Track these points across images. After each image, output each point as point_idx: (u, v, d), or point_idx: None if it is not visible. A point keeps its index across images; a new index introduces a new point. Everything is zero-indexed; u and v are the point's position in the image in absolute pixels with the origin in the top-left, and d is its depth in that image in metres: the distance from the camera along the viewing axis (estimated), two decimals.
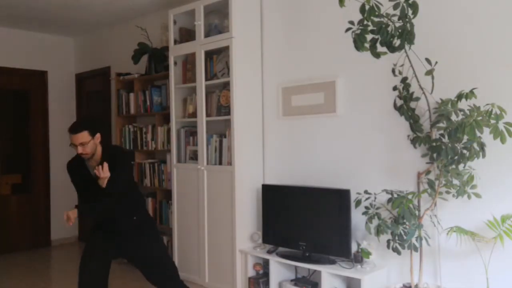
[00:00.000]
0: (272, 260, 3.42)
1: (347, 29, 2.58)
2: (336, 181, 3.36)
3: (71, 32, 5.92)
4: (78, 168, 3.05)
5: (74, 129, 2.89)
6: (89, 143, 2.89)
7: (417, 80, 2.73)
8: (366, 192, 2.95)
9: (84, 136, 2.88)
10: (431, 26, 2.89)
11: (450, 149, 2.49)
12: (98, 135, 2.97)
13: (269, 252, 3.52)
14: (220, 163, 3.84)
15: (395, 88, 2.87)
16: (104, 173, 2.81)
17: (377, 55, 2.58)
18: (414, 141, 2.81)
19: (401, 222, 2.68)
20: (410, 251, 2.77)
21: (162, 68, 4.56)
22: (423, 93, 2.74)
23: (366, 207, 2.89)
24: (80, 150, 2.88)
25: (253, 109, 3.83)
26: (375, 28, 2.52)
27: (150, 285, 3.40)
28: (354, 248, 3.15)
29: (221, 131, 3.94)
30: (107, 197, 2.90)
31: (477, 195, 2.59)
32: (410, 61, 2.70)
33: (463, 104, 2.55)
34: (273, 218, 3.57)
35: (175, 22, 4.20)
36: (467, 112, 2.47)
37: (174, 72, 4.20)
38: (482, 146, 2.52)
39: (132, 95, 4.92)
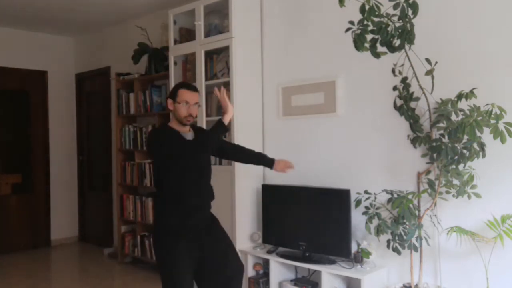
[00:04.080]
0: (272, 260, 3.41)
1: (347, 29, 2.58)
2: (336, 181, 3.36)
3: (71, 32, 5.92)
4: (174, 136, 2.63)
5: (194, 87, 2.69)
6: (197, 107, 2.68)
7: (417, 80, 2.73)
8: (366, 192, 2.95)
9: (198, 97, 2.68)
10: (431, 26, 2.89)
11: (450, 149, 2.49)
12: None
13: (269, 252, 3.52)
14: (220, 163, 3.83)
15: (395, 88, 2.87)
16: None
17: (377, 55, 2.58)
18: (414, 141, 2.81)
19: (401, 222, 2.68)
20: (410, 251, 2.77)
21: (162, 68, 4.57)
22: (423, 93, 2.74)
23: (366, 207, 2.88)
24: (192, 110, 2.62)
25: (253, 109, 3.83)
26: (375, 28, 2.52)
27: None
28: (354, 248, 3.15)
29: None
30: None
31: (477, 195, 2.59)
32: (410, 61, 2.70)
33: (463, 104, 2.55)
34: (273, 218, 3.57)
35: (175, 22, 4.19)
36: (467, 112, 2.47)
37: (174, 72, 4.20)
38: (482, 146, 2.51)
39: (132, 95, 4.92)
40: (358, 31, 2.55)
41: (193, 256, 2.60)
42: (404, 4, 2.50)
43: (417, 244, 2.72)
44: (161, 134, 2.66)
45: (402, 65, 2.76)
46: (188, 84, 2.73)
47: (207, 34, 3.89)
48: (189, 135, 2.68)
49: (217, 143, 2.77)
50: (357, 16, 2.55)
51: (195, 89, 2.68)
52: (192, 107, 2.62)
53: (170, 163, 2.59)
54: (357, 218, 3.10)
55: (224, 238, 2.80)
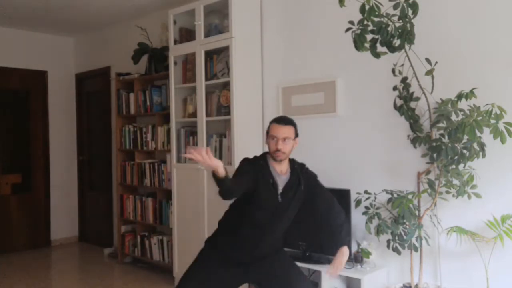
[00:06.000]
0: None
1: (347, 29, 2.59)
2: (336, 181, 3.35)
3: (71, 32, 5.92)
4: (263, 169, 2.44)
5: (284, 120, 2.48)
6: (290, 142, 2.44)
7: (417, 80, 2.73)
8: (366, 192, 2.95)
9: (290, 131, 2.45)
10: (431, 26, 2.89)
11: (450, 149, 2.49)
12: (297, 140, 2.52)
13: None
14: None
15: (395, 88, 2.87)
16: None
17: (377, 55, 2.58)
18: (414, 141, 2.81)
19: (401, 222, 2.68)
20: (410, 251, 2.77)
21: (162, 68, 4.57)
22: (423, 93, 2.74)
23: (366, 207, 2.89)
24: (280, 145, 2.38)
25: (253, 109, 3.83)
26: (375, 28, 2.52)
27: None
28: (354, 248, 3.15)
29: (221, 131, 3.93)
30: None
31: (477, 195, 2.59)
32: (410, 61, 2.70)
33: (463, 104, 2.55)
34: None
35: (175, 22, 4.19)
36: (467, 112, 2.47)
37: (174, 72, 4.20)
38: (482, 146, 2.52)
39: (132, 95, 4.92)
40: (358, 31, 2.56)
41: (223, 276, 2.48)
42: (404, 4, 2.50)
43: (417, 244, 2.72)
44: (252, 165, 2.45)
45: (402, 65, 2.76)
46: (279, 118, 2.54)
47: (207, 34, 3.89)
48: (283, 178, 2.49)
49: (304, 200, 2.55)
50: (357, 16, 2.55)
51: (286, 123, 2.46)
52: (280, 142, 2.39)
53: (246, 195, 2.43)
54: (357, 218, 3.10)
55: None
